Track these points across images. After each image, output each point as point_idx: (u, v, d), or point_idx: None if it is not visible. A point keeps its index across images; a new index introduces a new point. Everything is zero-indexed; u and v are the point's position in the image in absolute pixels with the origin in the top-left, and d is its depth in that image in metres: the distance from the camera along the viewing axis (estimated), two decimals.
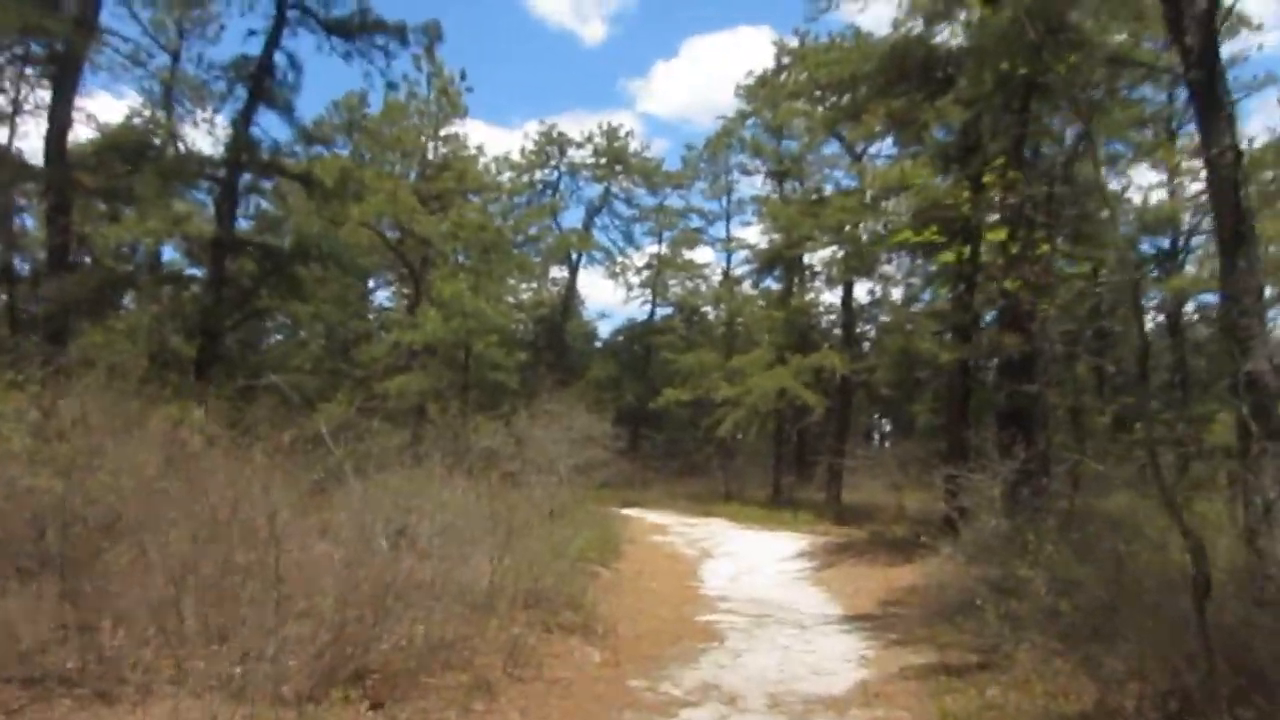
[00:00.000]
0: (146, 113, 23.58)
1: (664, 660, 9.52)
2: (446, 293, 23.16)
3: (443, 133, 28.19)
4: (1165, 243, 34.20)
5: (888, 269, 34.84)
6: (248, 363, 23.09)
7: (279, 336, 44.23)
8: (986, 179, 6.98)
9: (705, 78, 77.31)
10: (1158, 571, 8.46)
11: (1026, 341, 18.16)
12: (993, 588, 8.85)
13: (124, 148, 18.54)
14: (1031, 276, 13.17)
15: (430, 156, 28.24)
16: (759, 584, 16.26)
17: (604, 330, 53.76)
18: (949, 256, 7.07)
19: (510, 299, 36.76)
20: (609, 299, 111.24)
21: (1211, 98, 10.01)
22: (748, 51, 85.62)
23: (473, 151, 29.99)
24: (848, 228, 32.51)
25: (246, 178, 20.63)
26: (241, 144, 18.84)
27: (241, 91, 19.33)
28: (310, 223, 20.85)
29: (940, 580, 13.91)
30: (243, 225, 24.17)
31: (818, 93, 27.33)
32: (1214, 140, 9.91)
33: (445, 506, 9.18)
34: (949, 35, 20.13)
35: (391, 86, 21.25)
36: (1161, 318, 42.15)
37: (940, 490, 19.83)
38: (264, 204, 23.95)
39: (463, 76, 28.15)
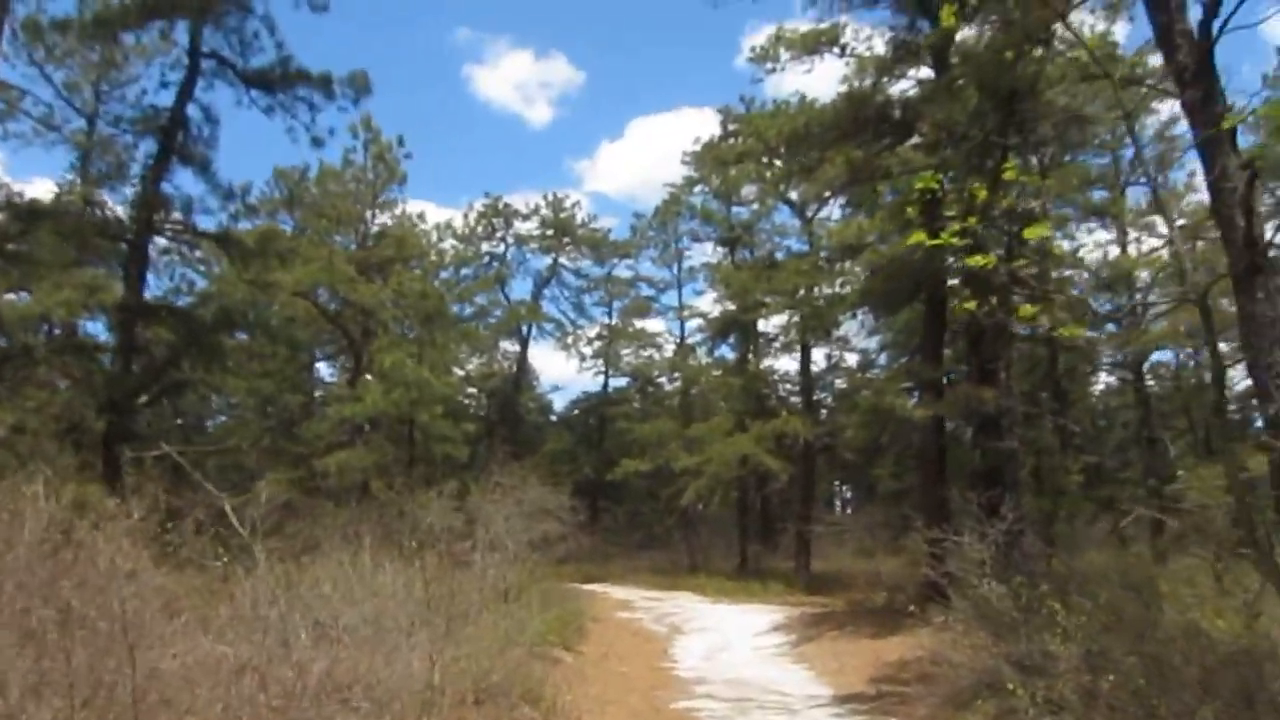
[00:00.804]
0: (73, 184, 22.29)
1: None
2: (387, 363, 21.89)
3: (380, 199, 27.09)
4: (1123, 300, 33.77)
5: (848, 329, 34.39)
6: (167, 439, 21.46)
7: (223, 417, 42.53)
8: (1005, 173, 6.04)
9: (651, 157, 78.37)
10: (1193, 638, 7.41)
11: (1002, 396, 17.36)
12: (1014, 664, 7.66)
13: (19, 209, 17.15)
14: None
15: (369, 226, 27.12)
16: (736, 662, 14.92)
17: (559, 404, 52.49)
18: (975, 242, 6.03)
19: (458, 371, 35.48)
20: (562, 372, 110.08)
21: (1210, 117, 9.23)
22: (691, 130, 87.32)
23: (413, 220, 29.04)
24: (802, 291, 31.94)
25: (162, 241, 19.27)
26: (151, 202, 17.50)
27: (153, 148, 18.08)
28: (237, 290, 19.52)
29: (933, 653, 12.76)
30: (179, 300, 22.74)
31: (765, 158, 26.70)
32: (1216, 163, 9.11)
33: (376, 593, 7.87)
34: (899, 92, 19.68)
35: (317, 143, 20.05)
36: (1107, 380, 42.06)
37: (919, 555, 18.82)
38: (190, 274, 22.69)
39: (400, 143, 27.25)
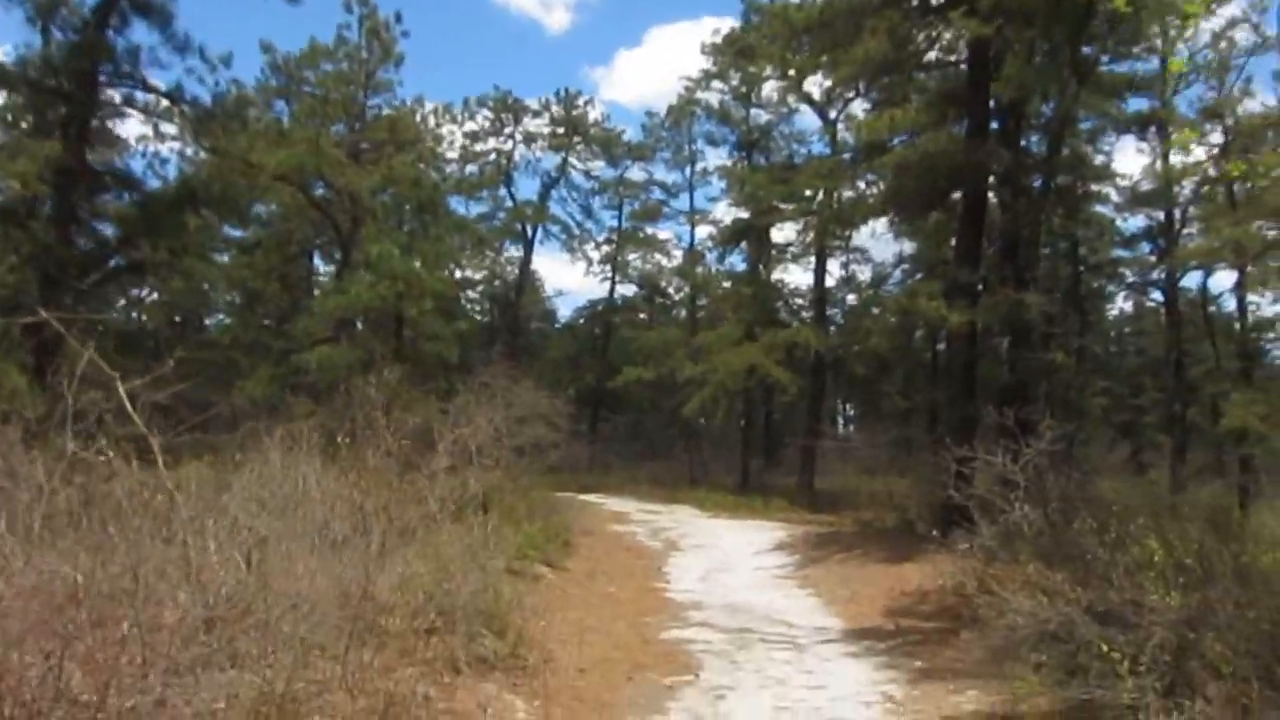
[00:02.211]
0: None
1: (617, 711, 6.92)
2: (374, 253, 20.29)
3: (376, 79, 24.94)
4: (1160, 215, 31.84)
5: (865, 239, 32.79)
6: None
7: (221, 316, 41.17)
8: None
9: (669, 67, 75.49)
10: None
11: (1052, 303, 15.82)
12: (1093, 614, 6.22)
13: None
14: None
15: (363, 109, 25.05)
16: (735, 585, 13.65)
17: (564, 312, 51.07)
18: None
19: (455, 268, 33.89)
20: (568, 280, 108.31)
21: None
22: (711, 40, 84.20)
23: (409, 106, 26.91)
24: (821, 195, 30.20)
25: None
26: (91, 49, 15.49)
27: None
28: (207, 167, 17.64)
29: (955, 583, 11.48)
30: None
31: (790, 48, 24.59)
32: None
33: (305, 500, 6.48)
34: None
35: None
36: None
37: (938, 475, 17.56)
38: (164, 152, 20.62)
39: (398, 19, 25.07)
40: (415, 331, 22.84)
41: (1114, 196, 32.61)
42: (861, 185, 24.89)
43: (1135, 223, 33.44)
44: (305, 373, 20.21)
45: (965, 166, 16.09)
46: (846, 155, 30.05)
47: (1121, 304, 41.17)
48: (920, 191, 18.20)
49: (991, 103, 18.14)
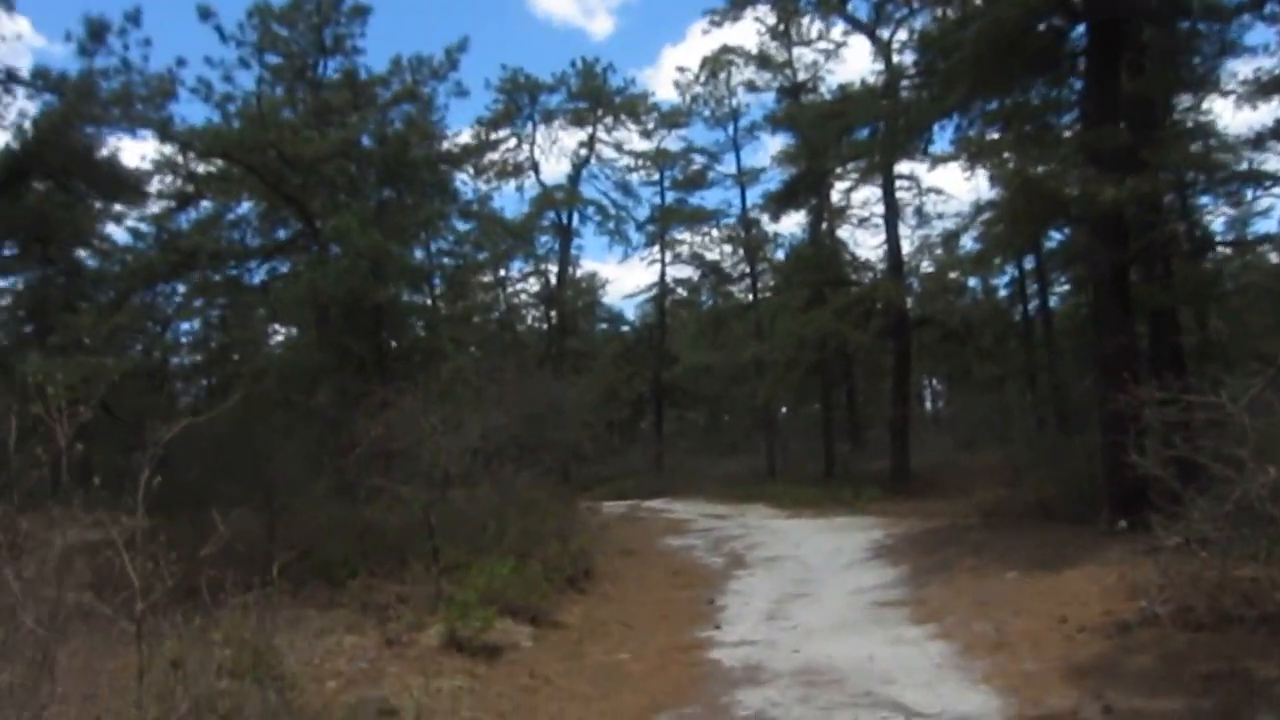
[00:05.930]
0: None
1: None
2: (331, 229, 16.14)
3: (335, 35, 20.51)
4: None
5: (942, 180, 27.68)
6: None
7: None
8: None
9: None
10: None
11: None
12: None
13: None
14: None
15: (316, 72, 20.71)
16: (816, 626, 9.05)
17: (616, 306, 46.97)
18: None
19: (487, 264, 29.90)
20: (615, 273, 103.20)
21: None
22: (752, 32, 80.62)
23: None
24: (883, 125, 25.38)
25: None
26: None
27: None
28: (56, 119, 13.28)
29: (1175, 605, 6.90)
30: None
31: None
32: None
33: None
34: None
35: None
36: None
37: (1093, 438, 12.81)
38: None
39: None
40: (395, 320, 18.60)
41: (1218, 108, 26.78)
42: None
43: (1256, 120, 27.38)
44: (257, 380, 16.12)
45: None
46: (911, 58, 25.09)
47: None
48: (1016, 53, 13.41)
49: None
